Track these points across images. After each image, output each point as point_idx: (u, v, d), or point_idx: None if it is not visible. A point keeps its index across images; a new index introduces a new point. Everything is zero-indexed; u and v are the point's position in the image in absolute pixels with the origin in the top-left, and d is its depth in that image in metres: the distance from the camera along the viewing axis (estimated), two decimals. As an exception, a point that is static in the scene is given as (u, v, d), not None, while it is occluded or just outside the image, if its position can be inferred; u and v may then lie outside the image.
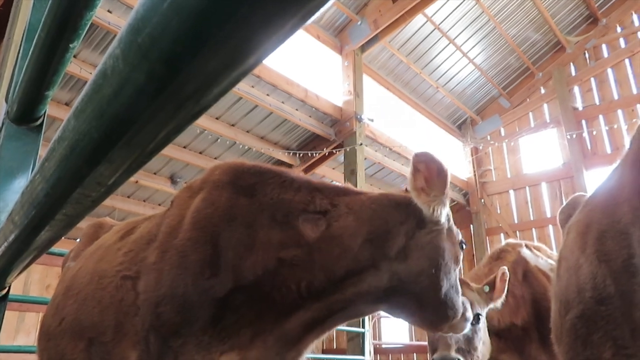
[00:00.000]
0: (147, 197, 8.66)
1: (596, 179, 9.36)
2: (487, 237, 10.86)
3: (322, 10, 0.36)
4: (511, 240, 3.79)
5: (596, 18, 10.40)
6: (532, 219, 10.48)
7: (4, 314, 1.59)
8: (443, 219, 1.64)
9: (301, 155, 8.38)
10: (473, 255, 10.87)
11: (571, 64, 10.71)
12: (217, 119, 7.50)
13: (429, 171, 1.58)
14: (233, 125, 7.72)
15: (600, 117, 10.05)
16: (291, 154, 8.38)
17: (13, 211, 0.93)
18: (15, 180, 1.50)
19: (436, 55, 9.60)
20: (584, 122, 10.18)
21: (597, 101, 10.20)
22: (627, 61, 9.98)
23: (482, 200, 11.07)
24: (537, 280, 3.27)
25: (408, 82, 9.88)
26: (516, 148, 11.05)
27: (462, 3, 8.72)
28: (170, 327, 1.46)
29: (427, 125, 10.68)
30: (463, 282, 2.91)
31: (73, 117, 0.55)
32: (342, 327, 5.40)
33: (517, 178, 10.89)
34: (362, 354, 6.32)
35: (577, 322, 1.47)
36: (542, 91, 11.01)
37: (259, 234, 1.56)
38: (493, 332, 3.02)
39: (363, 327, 6.35)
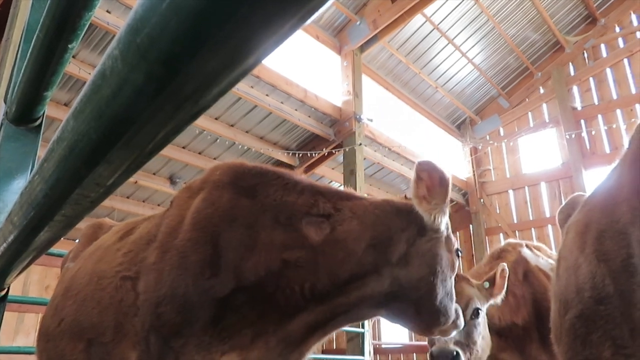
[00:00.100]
0: (147, 197, 8.66)
1: (595, 179, 9.37)
2: (487, 237, 10.86)
3: (321, 10, 0.36)
4: (512, 240, 3.80)
5: (595, 18, 10.41)
6: (531, 218, 10.49)
7: (3, 315, 1.59)
8: (443, 227, 1.67)
9: (300, 155, 8.38)
10: (472, 255, 10.88)
11: (570, 63, 10.71)
12: (216, 119, 7.49)
13: (431, 180, 1.61)
14: (232, 125, 7.72)
15: (599, 116, 10.06)
16: (290, 154, 8.38)
17: (12, 212, 0.93)
18: (14, 180, 1.50)
19: (435, 55, 9.60)
20: (582, 121, 10.19)
21: (596, 101, 10.21)
22: (625, 61, 9.99)
23: (482, 200, 11.07)
24: (537, 280, 3.28)
25: (407, 82, 9.88)
26: (515, 148, 11.06)
27: (461, 3, 8.73)
28: (170, 328, 1.46)
29: (427, 125, 10.68)
30: (463, 278, 2.93)
31: (72, 118, 0.55)
32: (342, 327, 5.40)
33: (516, 178, 10.90)
34: (362, 354, 6.32)
35: (577, 321, 1.47)
36: (541, 91, 11.02)
37: (261, 235, 1.56)
38: (494, 331, 3.03)
39: (362, 327, 6.35)
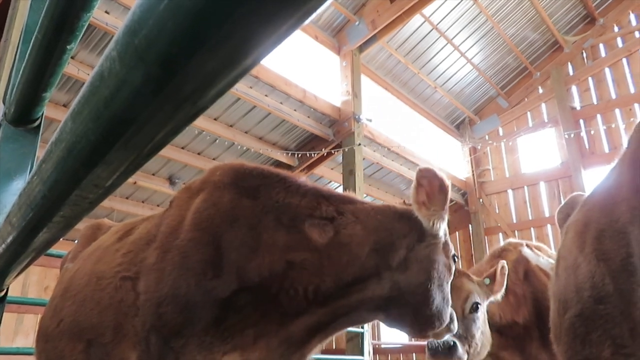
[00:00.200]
0: (146, 198, 8.65)
1: (594, 178, 9.37)
2: (486, 237, 10.86)
3: (319, 10, 0.36)
4: (512, 240, 3.81)
5: (593, 18, 10.42)
6: (530, 218, 10.49)
7: (2, 316, 1.59)
8: (441, 233, 1.70)
9: (299, 155, 8.38)
10: (472, 255, 10.88)
11: (569, 63, 10.72)
12: (215, 119, 7.49)
13: (430, 186, 1.65)
14: (231, 126, 7.71)
15: (598, 116, 10.07)
16: (289, 154, 8.38)
17: (10, 213, 0.92)
18: (13, 181, 1.50)
19: (434, 55, 9.60)
20: (581, 121, 10.19)
21: (594, 100, 10.21)
22: (624, 60, 10.00)
23: (481, 200, 11.08)
24: (538, 279, 3.29)
25: (406, 82, 9.89)
26: (514, 148, 11.06)
27: (459, 3, 8.73)
28: (171, 328, 1.46)
29: (426, 125, 10.68)
30: (463, 274, 2.96)
31: (70, 119, 0.55)
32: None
33: (515, 178, 10.90)
34: (361, 354, 6.32)
35: (576, 321, 1.47)
36: (540, 91, 11.03)
37: (264, 236, 1.57)
38: (495, 329, 3.06)
39: (362, 327, 6.35)
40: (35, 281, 7.88)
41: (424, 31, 9.03)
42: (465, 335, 2.72)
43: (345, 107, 7.96)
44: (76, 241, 2.57)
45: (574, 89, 10.51)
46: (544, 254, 3.59)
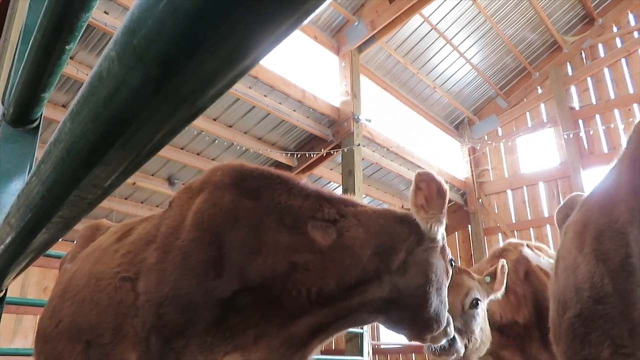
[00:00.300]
0: (145, 198, 8.65)
1: (593, 179, 9.38)
2: (485, 237, 10.86)
3: (318, 10, 0.36)
4: (513, 240, 3.82)
5: (592, 18, 10.43)
6: (529, 218, 10.49)
7: (1, 317, 1.58)
8: (439, 237, 1.73)
9: (299, 156, 8.37)
10: (471, 255, 10.88)
11: (568, 63, 10.73)
12: (214, 120, 7.49)
13: (429, 190, 1.68)
14: (230, 126, 7.71)
15: (597, 116, 10.07)
16: (289, 154, 8.38)
17: (9, 214, 0.92)
18: (12, 182, 1.49)
19: (433, 56, 9.61)
20: (580, 121, 10.20)
21: (593, 101, 10.22)
22: (623, 61, 10.01)
23: (480, 200, 11.08)
24: (538, 279, 3.30)
25: (405, 83, 9.89)
26: (513, 148, 11.07)
27: (458, 3, 8.74)
28: (173, 328, 1.46)
29: (425, 125, 10.68)
30: (464, 271, 2.98)
31: (69, 119, 0.55)
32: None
33: (514, 178, 10.91)
34: (361, 354, 6.32)
35: (575, 321, 1.47)
36: (539, 91, 11.03)
37: (266, 237, 1.58)
38: (495, 328, 3.09)
39: (361, 327, 6.35)
40: (34, 282, 7.87)
41: (423, 31, 9.03)
42: (465, 330, 2.75)
43: (344, 108, 7.96)
44: (75, 242, 2.57)
45: (572, 89, 10.52)
46: (544, 254, 3.60)
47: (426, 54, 9.50)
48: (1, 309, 1.62)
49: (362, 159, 7.83)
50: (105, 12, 5.48)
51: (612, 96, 9.97)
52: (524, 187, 10.73)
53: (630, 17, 10.17)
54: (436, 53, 9.56)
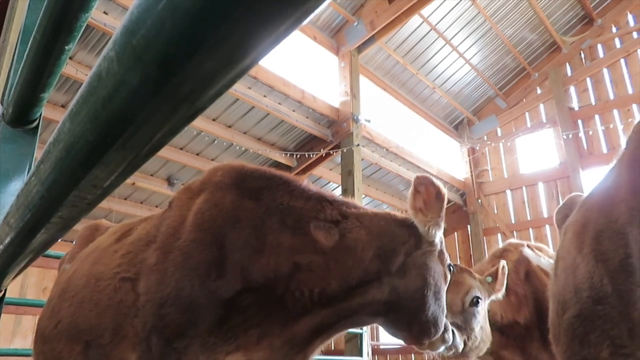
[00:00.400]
0: (144, 199, 8.64)
1: (592, 179, 9.39)
2: (484, 238, 10.87)
3: (318, 10, 0.36)
4: (513, 240, 3.83)
5: (591, 18, 10.44)
6: (529, 219, 10.50)
7: (0, 317, 1.58)
8: (437, 241, 1.74)
9: (298, 156, 8.37)
10: (470, 255, 10.89)
11: (567, 64, 10.74)
12: (214, 120, 7.49)
13: (428, 194, 1.70)
14: (230, 126, 7.71)
15: (596, 117, 10.09)
16: (288, 155, 8.38)
17: (8, 214, 0.92)
18: (11, 182, 1.49)
19: (433, 56, 9.61)
20: (580, 122, 10.21)
21: (593, 101, 10.23)
22: (622, 61, 10.02)
23: (479, 201, 11.09)
24: (539, 279, 3.31)
25: (405, 83, 9.89)
26: (513, 148, 11.08)
27: (458, 4, 8.74)
28: (174, 328, 1.46)
29: (424, 125, 10.69)
30: (465, 270, 2.99)
31: (68, 120, 0.55)
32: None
33: (514, 178, 10.91)
34: (360, 354, 6.32)
35: (575, 321, 1.47)
36: (538, 91, 11.04)
37: (268, 238, 1.58)
38: (496, 328, 3.10)
39: (361, 328, 6.35)
40: (34, 282, 7.87)
41: (422, 32, 9.04)
42: (464, 327, 2.76)
43: (343, 108, 7.96)
44: (74, 242, 2.57)
45: (572, 89, 10.53)
46: (544, 255, 3.61)
47: (425, 54, 9.51)
48: (0, 309, 1.62)
49: (362, 159, 7.83)
50: (104, 13, 5.48)
51: (611, 96, 9.99)
52: (524, 188, 10.74)
53: (630, 17, 10.18)
54: (435, 53, 9.57)
